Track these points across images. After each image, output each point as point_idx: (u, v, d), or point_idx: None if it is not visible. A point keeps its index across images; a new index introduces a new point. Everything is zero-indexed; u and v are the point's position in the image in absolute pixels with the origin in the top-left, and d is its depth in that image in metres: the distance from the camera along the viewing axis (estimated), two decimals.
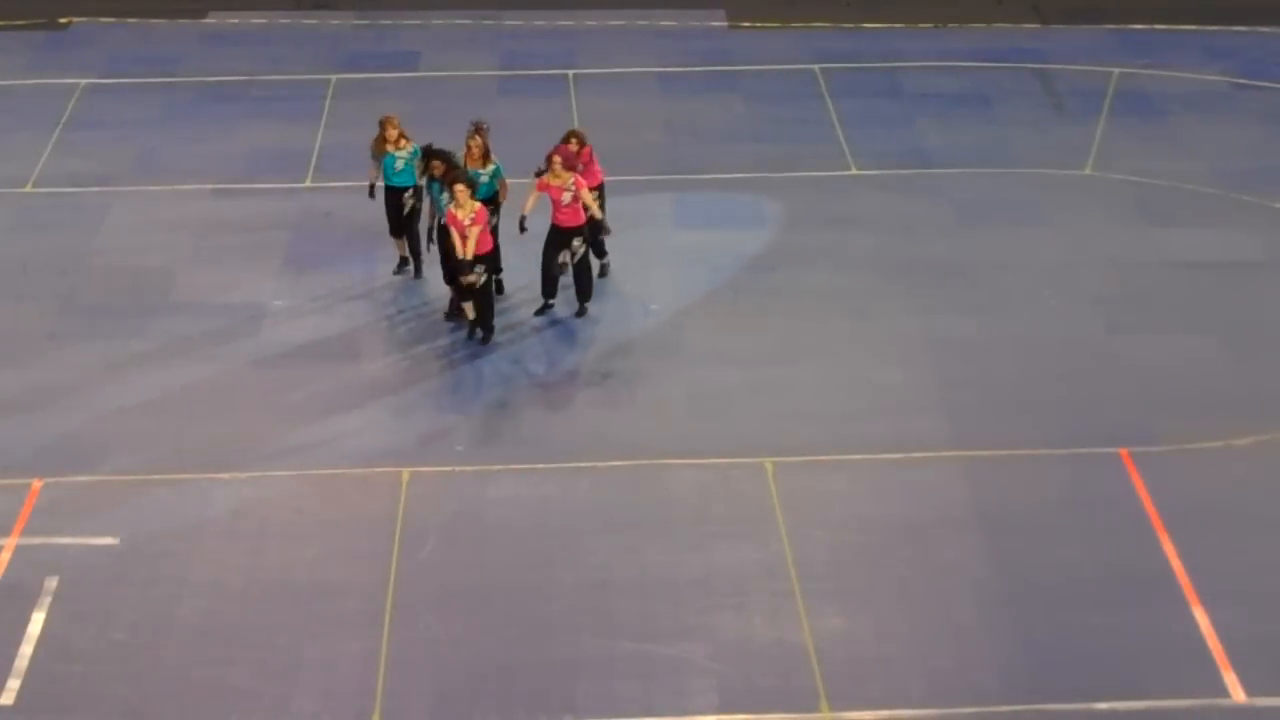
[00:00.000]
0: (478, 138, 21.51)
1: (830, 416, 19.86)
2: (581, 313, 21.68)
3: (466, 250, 20.54)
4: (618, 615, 16.93)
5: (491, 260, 21.02)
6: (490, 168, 21.50)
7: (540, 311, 21.66)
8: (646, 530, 18.07)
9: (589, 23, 30.59)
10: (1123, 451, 19.20)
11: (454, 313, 21.50)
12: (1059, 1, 31.10)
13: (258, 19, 30.73)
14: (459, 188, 20.48)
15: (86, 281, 22.59)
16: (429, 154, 21.29)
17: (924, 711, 15.89)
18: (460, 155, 21.38)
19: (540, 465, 19.06)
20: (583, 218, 21.30)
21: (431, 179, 21.26)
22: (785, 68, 28.69)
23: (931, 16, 30.66)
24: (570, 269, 21.52)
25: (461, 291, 20.98)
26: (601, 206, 21.88)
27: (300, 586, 17.33)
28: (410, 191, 22.01)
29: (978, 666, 16.36)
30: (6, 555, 17.71)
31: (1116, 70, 28.42)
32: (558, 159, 21.07)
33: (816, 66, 28.64)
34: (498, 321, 21.40)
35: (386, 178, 22.06)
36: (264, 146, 26.09)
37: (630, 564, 17.59)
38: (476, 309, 21.07)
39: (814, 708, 15.90)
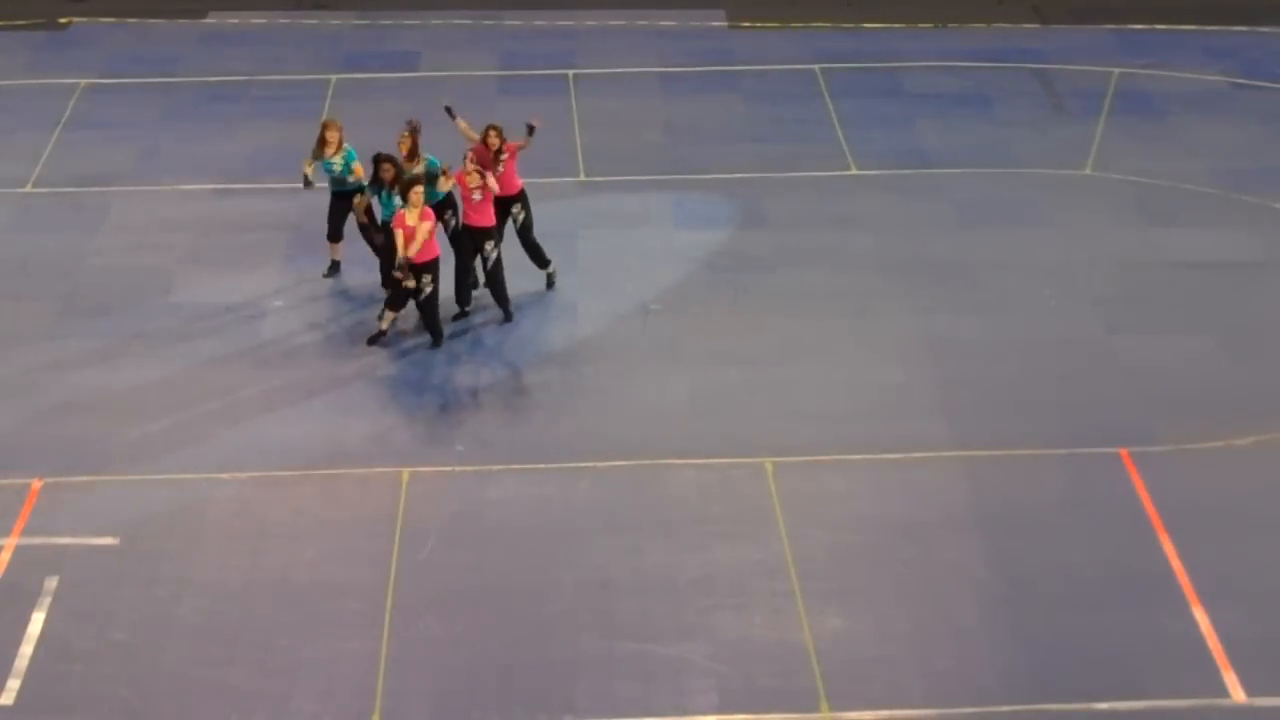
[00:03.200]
0: (408, 137, 21.25)
1: (830, 416, 19.86)
2: (507, 318, 21.43)
3: (409, 250, 20.46)
4: (618, 615, 16.93)
5: (435, 268, 20.82)
6: (420, 166, 21.28)
7: (456, 318, 21.49)
8: (646, 530, 18.07)
9: (589, 23, 30.58)
10: (1123, 451, 19.21)
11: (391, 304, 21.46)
12: (1059, 1, 31.10)
13: (258, 19, 30.73)
14: (416, 190, 20.39)
15: (86, 281, 22.59)
16: (379, 159, 21.12)
17: (924, 711, 15.90)
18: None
19: (540, 465, 19.07)
20: (493, 219, 21.14)
21: (380, 185, 21.15)
22: (785, 68, 28.69)
23: (931, 16, 30.65)
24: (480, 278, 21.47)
25: (399, 297, 20.87)
26: (528, 215, 21.79)
27: (300, 586, 17.33)
28: (358, 196, 21.83)
29: (978, 666, 16.37)
30: (6, 555, 17.71)
31: (1116, 70, 28.42)
32: (471, 155, 20.99)
33: (816, 66, 28.63)
34: (493, 323, 21.46)
35: (332, 183, 21.98)
36: (264, 146, 26.08)
37: (630, 564, 17.59)
38: (424, 316, 21.06)
39: (814, 708, 15.90)
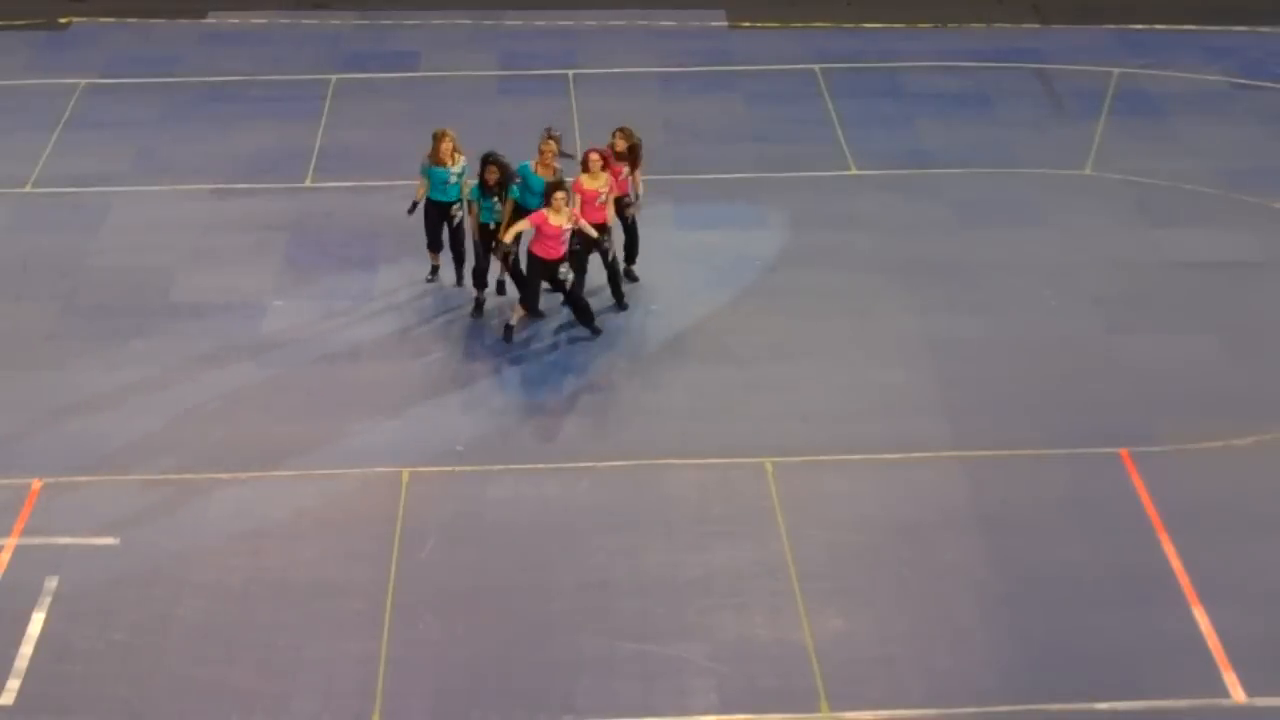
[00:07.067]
0: (551, 143, 21.27)
1: (830, 416, 19.86)
2: (622, 306, 21.75)
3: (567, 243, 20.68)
4: (618, 615, 16.94)
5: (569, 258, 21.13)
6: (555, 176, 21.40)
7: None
8: (646, 530, 18.07)
9: (589, 23, 30.58)
10: (1123, 451, 19.21)
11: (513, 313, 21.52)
12: (1059, 1, 31.09)
13: (258, 19, 30.72)
14: (559, 195, 20.42)
15: (86, 281, 22.58)
16: (487, 160, 21.06)
17: (924, 711, 15.90)
18: (531, 161, 21.29)
19: (540, 465, 19.07)
20: (606, 217, 21.32)
21: (487, 187, 21.09)
22: (785, 68, 28.69)
23: (931, 16, 30.64)
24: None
25: (532, 296, 21.01)
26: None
27: (300, 586, 17.34)
28: (457, 205, 21.78)
29: (978, 666, 16.37)
30: (6, 555, 17.71)
31: (1116, 70, 28.42)
32: (597, 157, 21.17)
33: (816, 66, 28.63)
34: (497, 322, 21.47)
35: (432, 191, 21.87)
36: (264, 146, 26.08)
37: (630, 564, 17.60)
38: (574, 309, 21.18)
39: (814, 708, 15.91)
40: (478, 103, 27.21)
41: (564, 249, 20.75)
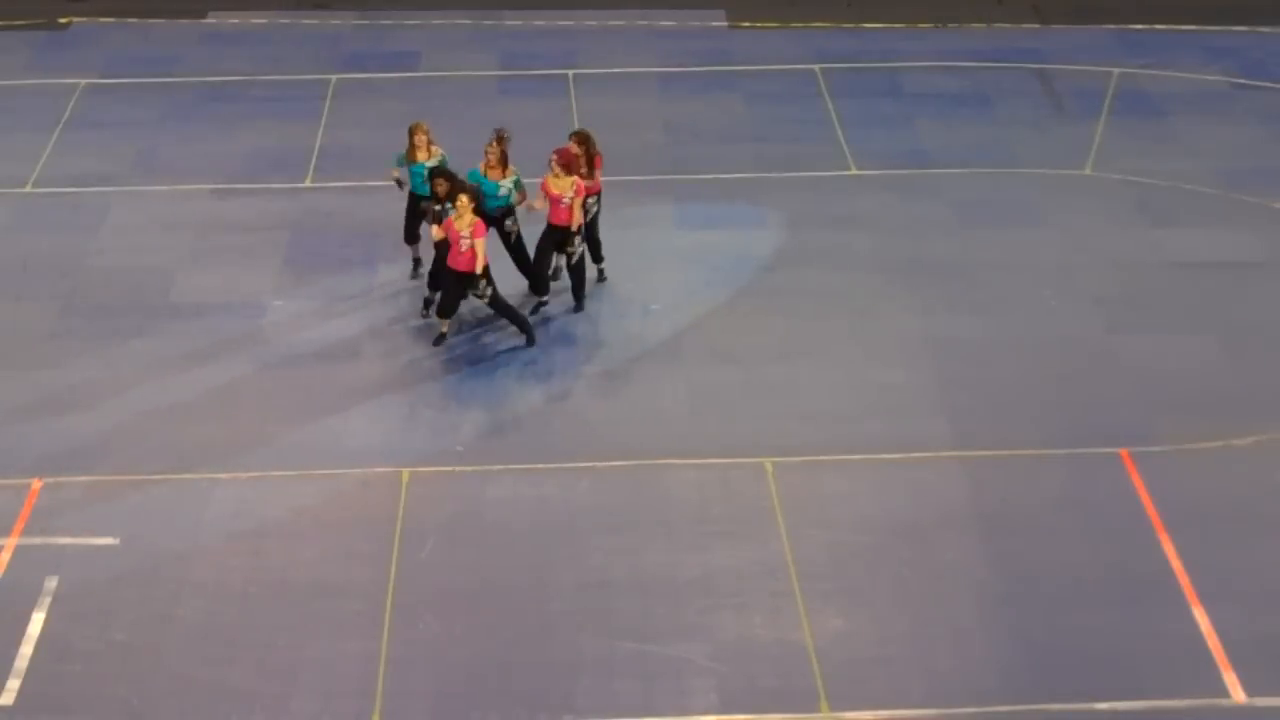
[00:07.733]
0: (495, 146, 21.38)
1: (830, 416, 19.87)
2: (579, 308, 21.72)
3: (476, 265, 20.49)
4: (618, 615, 16.94)
5: (487, 272, 21.01)
6: (510, 178, 21.40)
7: (535, 310, 21.67)
8: (646, 530, 18.07)
9: (589, 23, 30.58)
10: (1123, 451, 19.21)
11: (434, 310, 21.52)
12: (1059, 1, 31.10)
13: (258, 19, 30.72)
14: (461, 198, 20.40)
15: (86, 281, 22.59)
16: (435, 173, 21.12)
17: (924, 711, 15.91)
18: (479, 164, 21.34)
19: (540, 465, 19.07)
20: (580, 218, 21.34)
21: (439, 199, 21.13)
22: (785, 68, 28.69)
23: (931, 16, 30.65)
24: (565, 270, 21.72)
25: (449, 305, 20.95)
26: (599, 211, 21.99)
27: (300, 586, 17.34)
28: (426, 200, 21.78)
29: (978, 666, 16.37)
30: (6, 555, 17.72)
31: (1116, 70, 28.42)
32: (556, 159, 21.14)
33: (816, 66, 28.64)
34: (498, 322, 21.45)
35: (414, 185, 21.88)
36: (264, 146, 26.08)
37: (630, 564, 17.60)
38: (505, 317, 21.09)
39: (814, 708, 15.91)
40: (478, 103, 27.21)
41: (477, 264, 20.57)
